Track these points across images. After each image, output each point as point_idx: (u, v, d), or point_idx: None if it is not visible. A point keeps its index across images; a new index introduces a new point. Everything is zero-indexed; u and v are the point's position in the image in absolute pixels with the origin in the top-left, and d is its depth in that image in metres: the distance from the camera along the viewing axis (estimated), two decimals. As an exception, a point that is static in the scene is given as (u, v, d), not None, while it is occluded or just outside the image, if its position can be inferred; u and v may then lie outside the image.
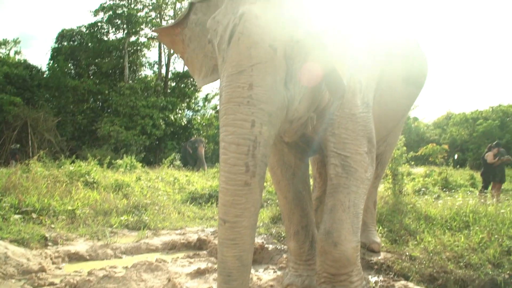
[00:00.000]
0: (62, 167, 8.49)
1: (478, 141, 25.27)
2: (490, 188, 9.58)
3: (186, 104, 23.42)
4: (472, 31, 77.13)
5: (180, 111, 22.58)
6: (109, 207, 6.01)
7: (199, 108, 25.84)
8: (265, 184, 8.04)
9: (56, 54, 22.00)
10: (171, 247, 4.78)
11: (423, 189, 8.78)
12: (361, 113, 2.73)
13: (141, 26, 22.36)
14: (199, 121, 24.55)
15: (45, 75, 20.98)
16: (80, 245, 4.52)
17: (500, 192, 9.35)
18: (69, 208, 5.57)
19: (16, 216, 5.06)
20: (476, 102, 77.66)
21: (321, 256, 2.65)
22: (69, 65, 22.51)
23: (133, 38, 23.00)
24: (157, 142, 21.02)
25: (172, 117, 21.04)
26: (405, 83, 3.53)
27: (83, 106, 20.63)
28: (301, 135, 2.96)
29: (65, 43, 22.79)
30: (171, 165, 13.92)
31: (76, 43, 23.03)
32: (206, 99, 26.68)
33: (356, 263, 2.68)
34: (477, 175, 11.81)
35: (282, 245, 4.51)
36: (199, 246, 4.83)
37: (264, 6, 2.08)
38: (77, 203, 5.85)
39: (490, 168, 9.55)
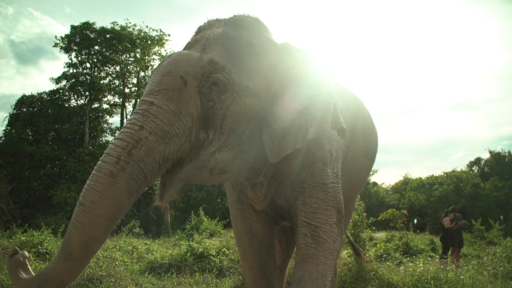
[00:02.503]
0: (13, 236, 8.03)
1: (435, 205, 26.01)
2: (449, 253, 9.73)
3: (147, 170, 23.07)
4: (419, 103, 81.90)
5: (141, 177, 22.19)
6: (61, 280, 5.65)
7: (161, 174, 25.50)
8: (227, 251, 7.87)
9: (14, 120, 21.52)
10: (127, 323, 4.50)
11: (384, 255, 8.81)
12: (332, 183, 2.78)
13: (104, 93, 22.44)
14: (160, 187, 24.13)
15: (0, 141, 20.36)
16: (27, 324, 4.18)
17: (459, 257, 9.51)
18: (17, 282, 5.19)
19: (-43, 293, 4.68)
20: (430, 168, 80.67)
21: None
22: (28, 131, 22.02)
23: (95, 105, 22.98)
24: (116, 210, 20.36)
25: (133, 183, 20.62)
26: (365, 157, 3.72)
27: (39, 173, 19.90)
28: (270, 203, 2.97)
29: (24, 109, 22.43)
30: (130, 233, 13.43)
31: (35, 109, 22.67)
32: (168, 165, 26.47)
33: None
34: (437, 240, 12.02)
35: (245, 318, 4.34)
36: (157, 321, 4.57)
37: (197, 50, 2.31)
38: (27, 277, 5.48)
39: (448, 233, 9.76)
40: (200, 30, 2.63)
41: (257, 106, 2.36)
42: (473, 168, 31.93)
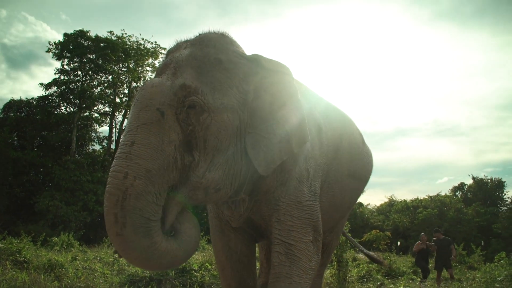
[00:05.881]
0: (-10, 243, 7.84)
1: (419, 228, 26.15)
2: (430, 276, 9.74)
3: (133, 181, 22.88)
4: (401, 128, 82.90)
5: (126, 188, 21.98)
6: (38, 291, 5.53)
7: (146, 185, 25.30)
8: (209, 266, 7.79)
9: (0, 124, 21.29)
10: (103, 337, 4.41)
11: (367, 276, 8.80)
12: (308, 201, 2.76)
13: (95, 102, 22.35)
14: (145, 198, 23.91)
15: (-16, 146, 20.06)
16: (0, 334, 4.09)
17: (440, 280, 9.51)
18: (-8, 291, 5.09)
19: None
20: (415, 191, 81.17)
21: None
22: (13, 136, 21.75)
23: (85, 113, 22.86)
24: (99, 219, 20.10)
25: (118, 194, 20.38)
26: (351, 177, 3.67)
27: (23, 179, 19.64)
28: (248, 221, 2.95)
29: (12, 114, 22.20)
30: (112, 244, 13.26)
31: (23, 114, 22.49)
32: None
33: None
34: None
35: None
36: (134, 335, 4.50)
37: (168, 75, 2.31)
38: (2, 286, 5.36)
39: (420, 256, 9.90)
40: (169, 52, 2.65)
41: (236, 120, 2.39)
42: (457, 193, 32.35)
